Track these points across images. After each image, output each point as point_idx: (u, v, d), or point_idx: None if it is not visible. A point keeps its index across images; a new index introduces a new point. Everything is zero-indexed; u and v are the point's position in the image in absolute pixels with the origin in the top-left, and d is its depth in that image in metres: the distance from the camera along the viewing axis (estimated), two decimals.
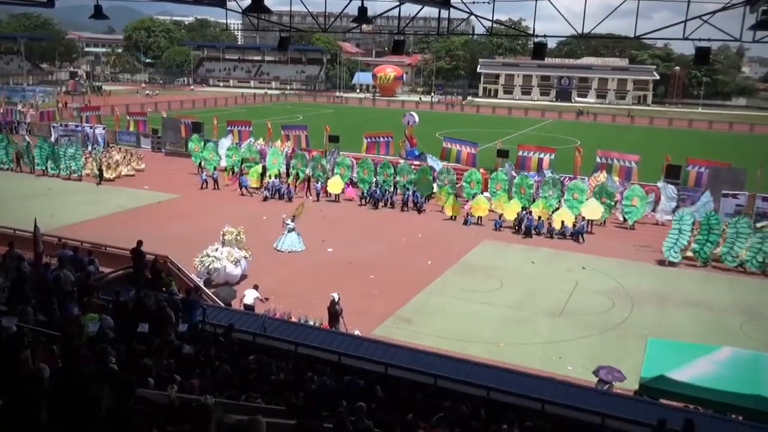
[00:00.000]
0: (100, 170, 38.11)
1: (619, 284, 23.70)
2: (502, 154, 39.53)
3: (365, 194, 35.18)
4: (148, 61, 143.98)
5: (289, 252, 25.87)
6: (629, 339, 18.74)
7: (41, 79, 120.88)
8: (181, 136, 47.45)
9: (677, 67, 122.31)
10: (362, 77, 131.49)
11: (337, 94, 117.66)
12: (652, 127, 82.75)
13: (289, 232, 26.31)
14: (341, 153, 39.64)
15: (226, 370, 9.69)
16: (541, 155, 38.36)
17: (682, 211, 27.29)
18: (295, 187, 36.54)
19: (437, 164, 37.46)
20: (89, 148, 44.69)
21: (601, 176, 34.98)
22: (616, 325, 20.06)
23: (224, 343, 11.56)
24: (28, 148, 40.82)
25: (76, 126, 49.22)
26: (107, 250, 18.75)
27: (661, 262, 26.28)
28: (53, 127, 49.33)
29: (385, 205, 34.46)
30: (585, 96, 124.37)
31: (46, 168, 39.66)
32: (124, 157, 42.10)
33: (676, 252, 26.19)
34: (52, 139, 45.68)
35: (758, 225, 27.04)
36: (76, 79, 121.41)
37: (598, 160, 37.21)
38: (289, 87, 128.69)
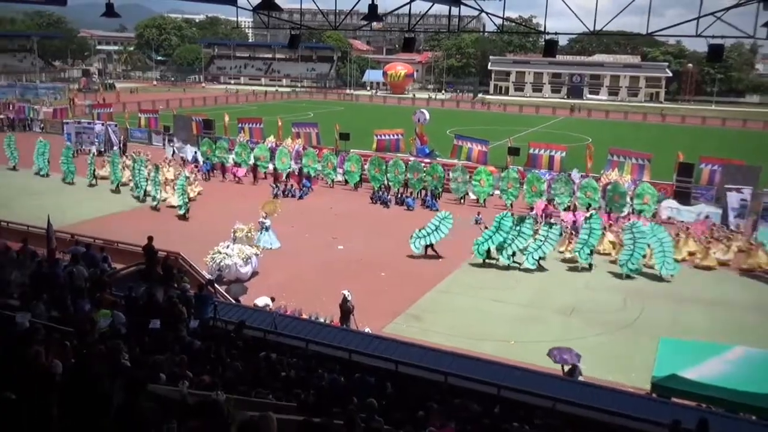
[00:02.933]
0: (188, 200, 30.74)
1: (632, 282, 23.57)
2: (513, 151, 39.41)
3: (376, 194, 35.19)
4: (159, 58, 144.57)
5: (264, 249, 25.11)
6: (641, 337, 18.63)
7: (54, 76, 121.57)
8: (192, 133, 47.63)
9: (690, 64, 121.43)
10: (373, 75, 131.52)
11: (348, 91, 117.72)
12: (665, 124, 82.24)
13: (263, 229, 25.72)
14: (352, 150, 39.80)
15: (237, 366, 9.72)
16: (552, 153, 38.24)
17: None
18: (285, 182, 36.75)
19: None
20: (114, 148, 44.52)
21: (613, 174, 34.82)
22: (628, 324, 19.96)
23: (235, 340, 11.59)
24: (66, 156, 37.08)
25: (89, 123, 49.42)
26: (119, 246, 18.87)
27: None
28: (66, 123, 49.57)
29: (396, 203, 34.41)
30: (597, 93, 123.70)
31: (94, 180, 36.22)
32: (178, 174, 34.95)
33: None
34: (69, 140, 45.89)
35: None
36: (93, 76, 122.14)
37: (610, 157, 37.02)
38: (299, 84, 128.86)
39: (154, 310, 11.57)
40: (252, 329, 12.68)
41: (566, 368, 14.73)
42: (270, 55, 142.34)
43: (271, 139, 43.50)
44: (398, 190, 35.72)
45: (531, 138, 52.70)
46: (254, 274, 22.41)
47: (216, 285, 17.40)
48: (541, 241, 24.96)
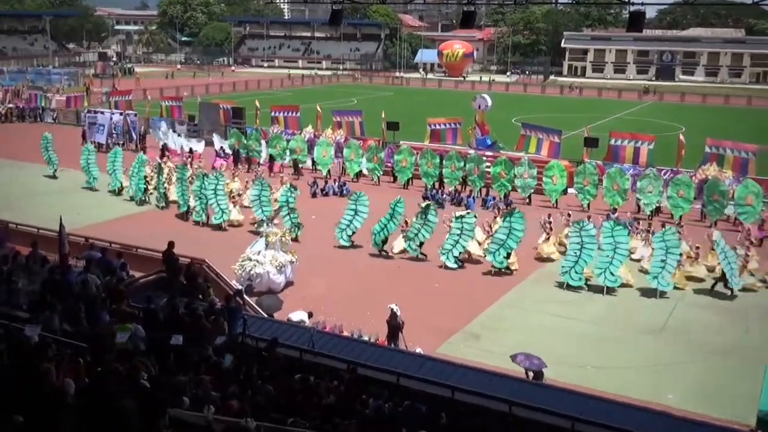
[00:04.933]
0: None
1: (733, 298, 22.94)
2: (591, 143, 38.82)
3: (428, 192, 35.17)
4: (184, 39, 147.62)
5: None
6: (744, 363, 18.10)
7: (68, 60, 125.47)
8: (219, 122, 48.36)
9: None
10: (426, 55, 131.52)
11: (397, 74, 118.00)
12: None
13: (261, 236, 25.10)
14: (402, 142, 39.95)
15: (269, 390, 9.83)
16: (638, 144, 37.48)
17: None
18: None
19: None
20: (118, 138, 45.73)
21: (711, 169, 33.96)
22: (729, 347, 19.42)
23: (267, 359, 11.72)
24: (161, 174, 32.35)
25: (104, 113, 50.21)
26: (138, 251, 19.30)
27: None
28: (97, 113, 49.88)
29: (453, 203, 34.25)
30: (692, 74, 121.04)
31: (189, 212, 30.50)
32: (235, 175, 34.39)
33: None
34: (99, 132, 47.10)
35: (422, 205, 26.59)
36: (112, 60, 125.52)
37: (708, 150, 36.14)
38: (341, 67, 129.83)
39: (176, 324, 11.79)
40: (286, 348, 12.80)
41: (530, 374, 15.32)
42: (308, 34, 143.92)
43: (308, 130, 43.88)
44: (455, 188, 35.58)
45: (612, 126, 51.82)
46: (289, 284, 22.63)
47: (245, 296, 17.64)
48: (456, 235, 24.99)
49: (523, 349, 18.64)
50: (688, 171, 34.18)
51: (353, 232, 27.04)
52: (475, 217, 26.18)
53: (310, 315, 18.46)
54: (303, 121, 46.20)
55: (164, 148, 42.15)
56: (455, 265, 25.14)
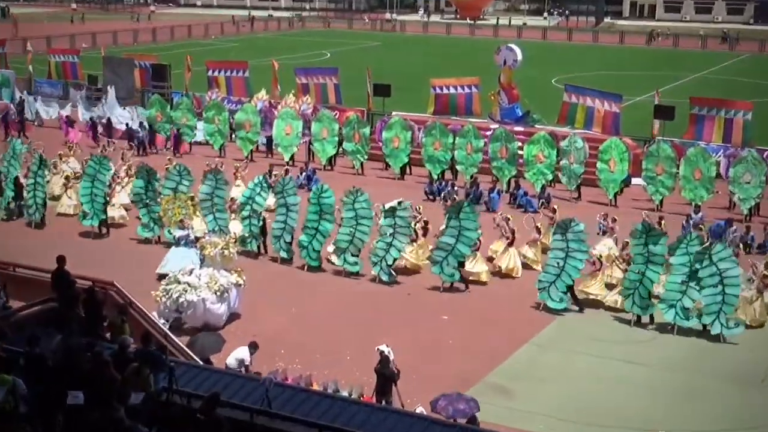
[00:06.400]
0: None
1: None
2: (664, 113, 38.92)
3: (435, 184, 35.19)
4: None
5: None
6: None
7: None
8: (134, 86, 48.13)
9: None
10: None
11: (388, 16, 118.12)
12: None
13: (176, 246, 25.20)
14: (394, 113, 39.93)
15: None
16: (729, 114, 37.65)
17: None
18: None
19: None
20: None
21: None
22: None
23: (204, 424, 11.73)
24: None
25: None
26: (17, 272, 19.21)
27: None
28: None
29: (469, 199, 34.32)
30: None
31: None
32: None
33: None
34: None
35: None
36: None
37: None
38: (308, 6, 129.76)
39: (73, 375, 11.76)
40: (231, 407, 12.80)
41: (462, 422, 15.30)
42: None
43: (261, 96, 43.79)
44: (472, 177, 35.54)
45: (693, 90, 52.04)
46: (234, 316, 22.59)
47: (171, 335, 17.62)
48: (387, 236, 25.50)
49: (567, 406, 18.77)
50: None
51: (292, 237, 27.13)
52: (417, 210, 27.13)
53: (254, 347, 18.35)
54: (253, 83, 46.17)
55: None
56: (388, 278, 25.45)
